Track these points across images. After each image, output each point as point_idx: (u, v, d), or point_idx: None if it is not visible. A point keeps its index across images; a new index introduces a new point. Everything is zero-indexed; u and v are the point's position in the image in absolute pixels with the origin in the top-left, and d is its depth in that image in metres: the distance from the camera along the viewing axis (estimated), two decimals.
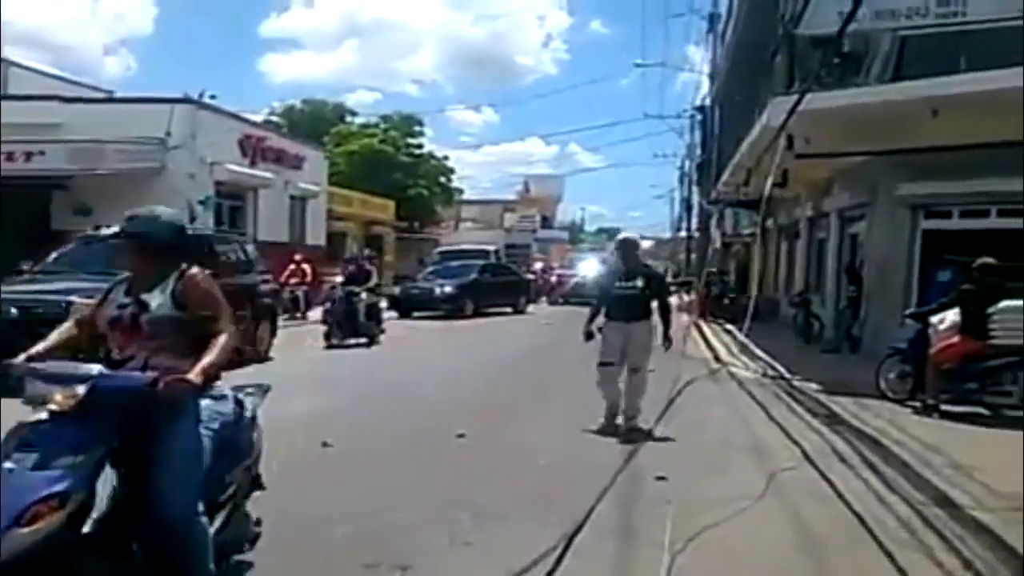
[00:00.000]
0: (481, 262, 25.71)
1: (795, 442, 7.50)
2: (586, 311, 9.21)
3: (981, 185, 13.38)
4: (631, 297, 8.50)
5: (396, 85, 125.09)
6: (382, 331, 17.08)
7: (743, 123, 19.31)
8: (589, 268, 29.83)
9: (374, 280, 17.50)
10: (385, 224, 35.58)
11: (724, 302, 24.40)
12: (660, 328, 8.81)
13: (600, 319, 8.79)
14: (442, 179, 44.57)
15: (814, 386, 11.58)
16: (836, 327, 16.63)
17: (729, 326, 21.86)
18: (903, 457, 6.89)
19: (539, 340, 18.20)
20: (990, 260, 9.48)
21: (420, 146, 43.04)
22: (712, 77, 26.62)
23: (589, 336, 8.75)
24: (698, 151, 34.56)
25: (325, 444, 7.12)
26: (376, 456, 7.09)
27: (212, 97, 35.37)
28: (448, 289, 23.07)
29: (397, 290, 24.60)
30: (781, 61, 14.72)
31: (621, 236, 10.55)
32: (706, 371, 12.92)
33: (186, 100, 20.84)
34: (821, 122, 13.67)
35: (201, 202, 20.46)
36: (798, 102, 11.67)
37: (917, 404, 9.63)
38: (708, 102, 30.46)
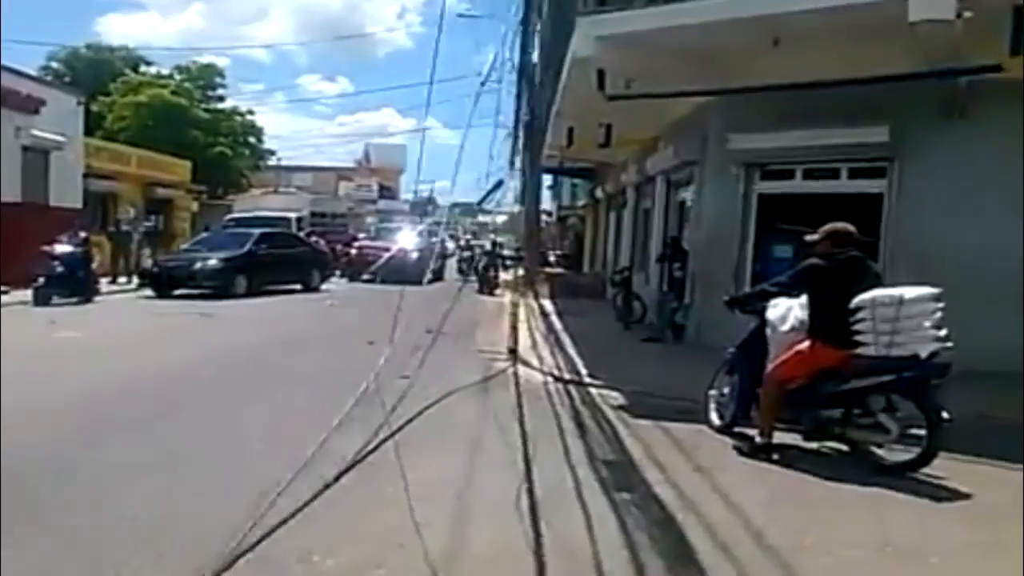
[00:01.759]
0: (258, 231, 21.65)
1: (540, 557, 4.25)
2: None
3: (830, 136, 10.75)
4: None
5: (245, 51, 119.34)
6: None
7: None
8: (408, 240, 26.27)
9: None
10: (176, 187, 30.80)
11: (490, 274, 25.24)
12: None
13: None
14: (251, 139, 39.77)
15: (617, 397, 8.65)
16: (659, 312, 13.82)
17: (549, 307, 19.06)
18: None
19: (288, 328, 14.51)
20: (843, 226, 6.48)
21: (221, 99, 38.23)
22: (524, 21, 23.21)
23: None
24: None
25: None
26: None
27: None
28: (212, 263, 18.85)
29: (150, 263, 20.33)
30: None
31: None
32: (483, 375, 9.71)
33: None
34: (636, 53, 10.73)
35: None
36: None
37: (745, 437, 6.70)
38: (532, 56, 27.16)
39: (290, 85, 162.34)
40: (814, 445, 6.49)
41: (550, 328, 15.12)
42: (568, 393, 8.95)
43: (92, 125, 32.23)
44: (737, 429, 6.92)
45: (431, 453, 6.22)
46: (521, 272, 26.22)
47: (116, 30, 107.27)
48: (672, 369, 10.37)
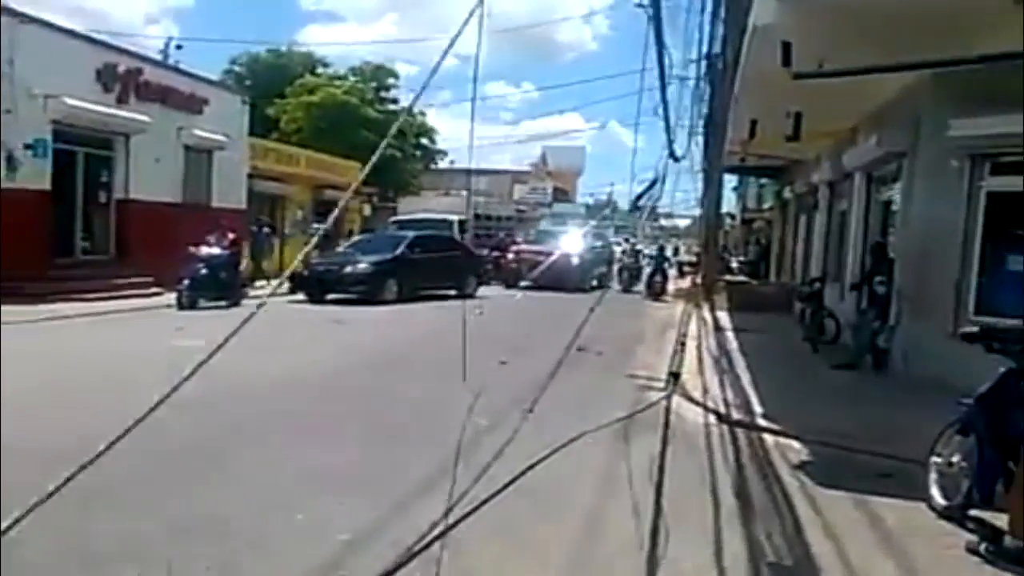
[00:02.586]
0: (412, 234, 20.60)
1: None
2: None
3: None
4: None
5: (433, 59, 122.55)
6: None
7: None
8: (572, 244, 24.64)
9: None
10: (345, 189, 30.29)
11: (656, 279, 24.84)
12: None
13: None
14: (422, 140, 39.25)
15: (798, 449, 6.71)
16: (856, 333, 11.52)
17: (726, 320, 17.02)
18: None
19: (422, 339, 13.17)
20: None
21: (395, 100, 37.82)
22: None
23: None
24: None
25: None
26: None
27: (178, 47, 30.99)
28: (362, 267, 17.97)
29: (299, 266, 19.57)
30: None
31: None
32: (628, 409, 7.91)
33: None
34: (828, 18, 8.69)
35: (29, 146, 15.74)
36: None
37: (986, 529, 4.63)
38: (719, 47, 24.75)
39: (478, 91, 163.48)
40: None
41: (723, 347, 13.15)
42: (734, 440, 7.06)
43: (267, 128, 32.71)
44: (973, 513, 4.88)
45: (518, 541, 4.54)
46: (699, 280, 24.24)
47: (316, 39, 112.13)
48: (873, 409, 8.24)
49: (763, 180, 33.03)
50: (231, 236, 16.76)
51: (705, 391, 9.14)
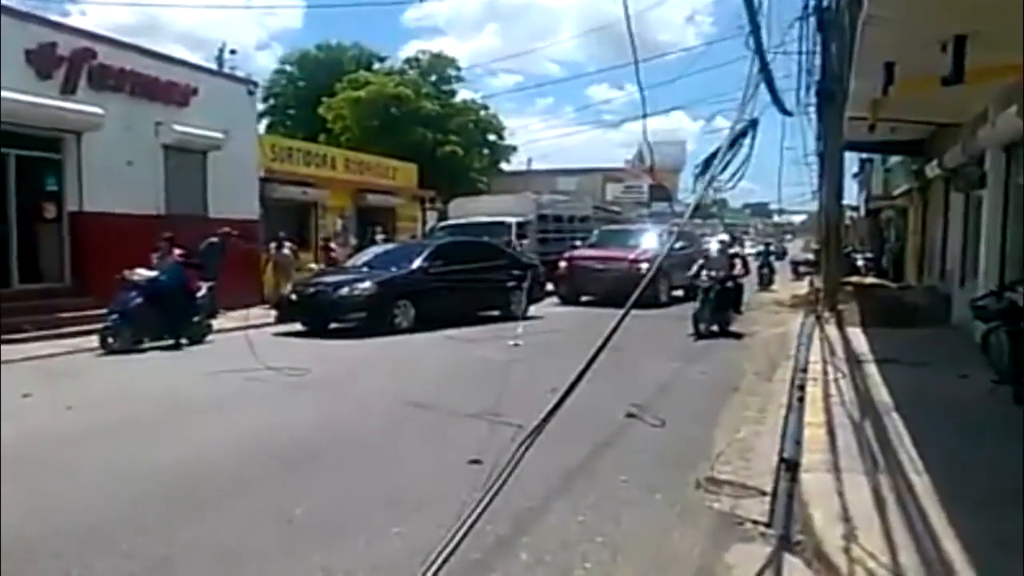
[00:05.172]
0: (436, 243, 16.09)
1: None
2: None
3: None
4: None
5: (536, 67, 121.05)
6: None
7: None
8: (643, 246, 20.09)
9: None
10: (396, 192, 26.40)
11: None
12: None
13: None
14: (489, 137, 34.74)
15: None
16: None
17: (861, 342, 12.24)
18: None
19: (392, 401, 8.79)
20: None
21: (452, 93, 33.52)
22: None
23: None
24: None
25: None
26: None
27: (232, 52, 28.21)
28: (363, 287, 13.61)
29: (288, 290, 15.28)
30: None
31: None
32: None
33: None
34: None
35: None
36: None
37: None
38: None
39: (581, 95, 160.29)
40: None
41: (864, 395, 8.43)
42: None
43: (318, 129, 29.38)
44: None
45: None
46: (819, 283, 19.28)
47: (418, 55, 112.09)
48: None
49: (890, 161, 27.68)
50: (177, 253, 12.70)
51: (846, 522, 4.50)
